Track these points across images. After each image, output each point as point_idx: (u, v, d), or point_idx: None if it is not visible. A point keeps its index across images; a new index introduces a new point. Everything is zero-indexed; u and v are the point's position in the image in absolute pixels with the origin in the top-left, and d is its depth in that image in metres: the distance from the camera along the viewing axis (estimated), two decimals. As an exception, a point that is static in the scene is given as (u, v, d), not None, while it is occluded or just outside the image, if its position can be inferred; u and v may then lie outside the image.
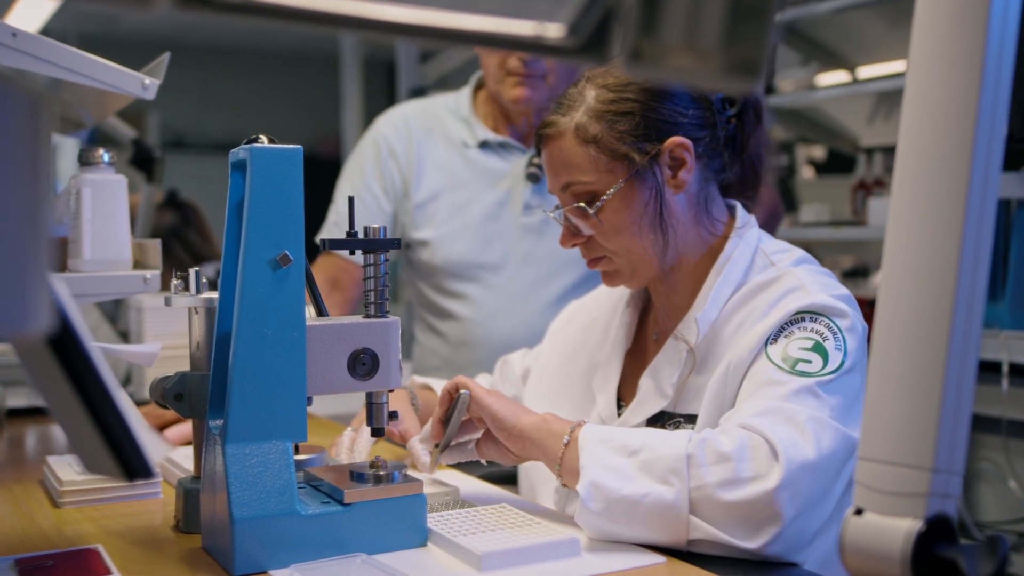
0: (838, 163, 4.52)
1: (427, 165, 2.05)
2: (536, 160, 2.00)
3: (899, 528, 0.81)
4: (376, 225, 1.19)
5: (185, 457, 1.50)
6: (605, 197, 1.33)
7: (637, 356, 1.48)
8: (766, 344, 1.25)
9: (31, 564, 1.05)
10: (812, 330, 1.25)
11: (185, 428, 1.68)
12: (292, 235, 1.12)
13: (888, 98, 3.06)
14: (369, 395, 1.20)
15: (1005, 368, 2.17)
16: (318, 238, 1.98)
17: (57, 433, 1.89)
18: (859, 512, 0.83)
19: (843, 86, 3.16)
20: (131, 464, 0.73)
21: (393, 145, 2.06)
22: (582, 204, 1.34)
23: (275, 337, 1.11)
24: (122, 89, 1.45)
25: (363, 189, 2.04)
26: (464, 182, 2.04)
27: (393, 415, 1.22)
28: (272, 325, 1.11)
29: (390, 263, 1.21)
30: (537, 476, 1.50)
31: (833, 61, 3.35)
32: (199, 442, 1.27)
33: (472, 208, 2.03)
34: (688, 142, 1.34)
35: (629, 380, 1.45)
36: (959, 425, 0.82)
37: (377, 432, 1.22)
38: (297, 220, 1.12)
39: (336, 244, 1.18)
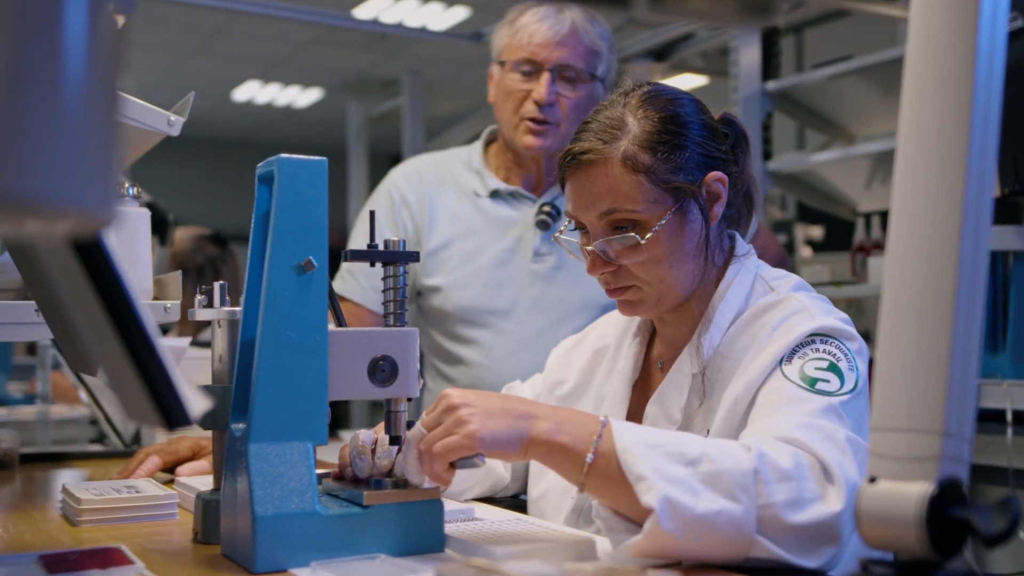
0: (835, 241, 4.59)
1: (439, 214, 2.10)
2: (546, 208, 2.05)
3: (912, 492, 0.83)
4: (395, 238, 1.24)
5: (200, 484, 1.51)
6: (656, 228, 1.33)
7: (642, 386, 1.50)
8: (780, 363, 1.27)
9: (55, 557, 1.06)
10: (825, 351, 1.27)
11: (199, 465, 1.69)
12: (316, 242, 1.16)
13: (884, 163, 3.13)
14: (388, 403, 1.22)
15: (1009, 417, 2.18)
16: (333, 283, 2.02)
17: (70, 475, 1.90)
18: (873, 480, 0.85)
19: (839, 150, 3.23)
20: (171, 413, 0.76)
21: (406, 195, 2.12)
22: (633, 234, 1.34)
23: (298, 340, 1.14)
24: (149, 125, 1.51)
25: (375, 236, 2.09)
26: (475, 230, 2.09)
27: (411, 424, 1.24)
28: (296, 328, 1.14)
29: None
30: (547, 506, 1.51)
31: (829, 129, 3.43)
32: (220, 454, 1.29)
33: (483, 255, 2.08)
34: (725, 177, 1.39)
35: (635, 410, 1.47)
36: (967, 391, 0.85)
37: (395, 440, 1.24)
38: (321, 228, 1.17)
39: (358, 255, 1.22)
